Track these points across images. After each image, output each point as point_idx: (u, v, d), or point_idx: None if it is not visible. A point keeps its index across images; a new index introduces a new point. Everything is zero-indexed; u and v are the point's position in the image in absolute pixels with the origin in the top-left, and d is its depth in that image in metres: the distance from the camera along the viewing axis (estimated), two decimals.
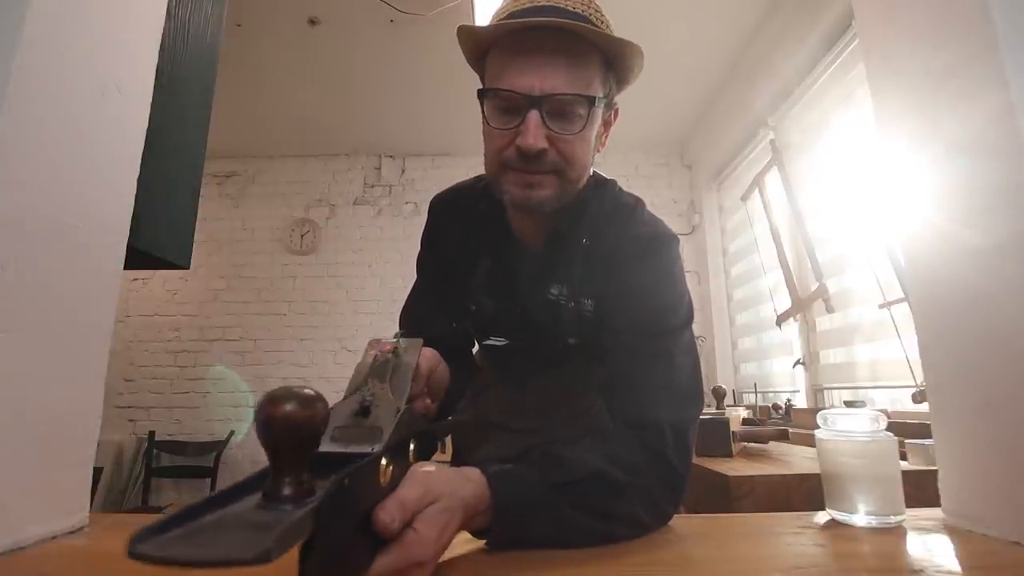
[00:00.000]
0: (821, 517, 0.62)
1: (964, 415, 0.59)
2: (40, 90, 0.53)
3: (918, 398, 1.43)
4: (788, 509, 0.75)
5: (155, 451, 3.13)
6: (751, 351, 2.96)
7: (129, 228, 0.66)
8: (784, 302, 2.33)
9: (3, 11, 0.50)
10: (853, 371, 2.04)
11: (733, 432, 1.49)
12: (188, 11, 0.88)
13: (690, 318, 0.66)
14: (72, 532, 0.56)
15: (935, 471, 0.63)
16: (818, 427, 0.64)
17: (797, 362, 2.31)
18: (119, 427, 3.26)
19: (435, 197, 0.82)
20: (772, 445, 1.59)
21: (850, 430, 0.61)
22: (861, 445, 0.59)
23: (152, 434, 3.19)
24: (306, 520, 0.27)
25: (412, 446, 0.44)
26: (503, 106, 0.61)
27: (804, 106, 2.28)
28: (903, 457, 1.25)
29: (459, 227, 0.77)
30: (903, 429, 1.32)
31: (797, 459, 1.40)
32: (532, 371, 0.82)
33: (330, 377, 3.31)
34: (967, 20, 0.57)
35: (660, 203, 3.42)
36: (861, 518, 0.58)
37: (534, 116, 0.58)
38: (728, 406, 2.38)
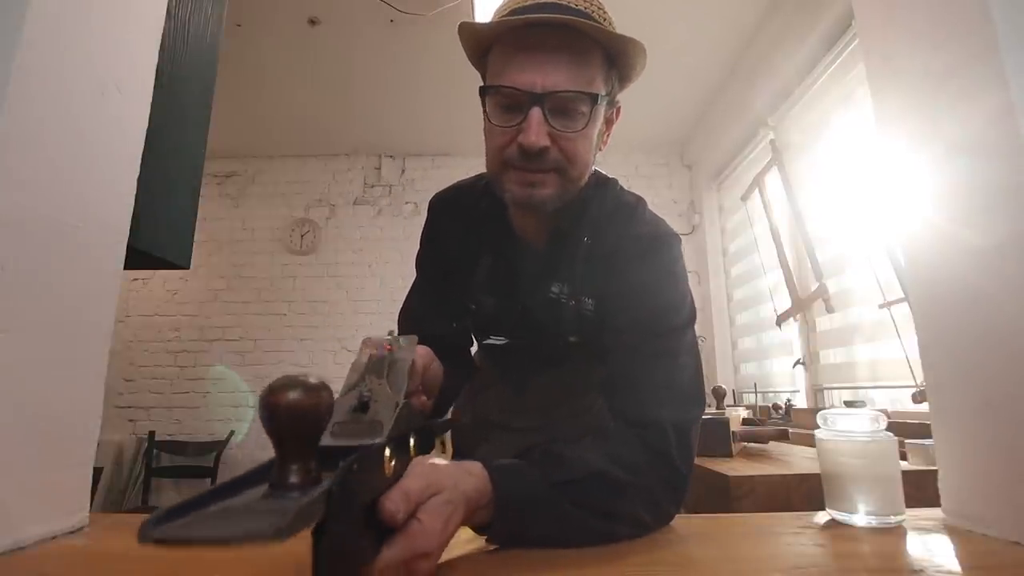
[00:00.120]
0: (821, 517, 0.62)
1: (964, 415, 0.59)
2: (40, 90, 0.53)
3: (918, 398, 1.43)
4: (788, 509, 0.75)
5: (155, 451, 3.13)
6: (751, 351, 2.96)
7: (129, 228, 0.66)
8: (784, 302, 2.33)
9: (3, 11, 0.50)
10: (853, 371, 2.04)
11: (733, 432, 1.49)
12: (188, 11, 0.88)
13: (692, 318, 0.66)
14: (72, 532, 0.56)
15: (935, 471, 0.63)
16: (818, 427, 0.64)
17: (797, 362, 2.31)
18: (119, 427, 3.26)
19: (435, 196, 0.82)
20: (772, 445, 1.59)
21: (850, 430, 0.61)
22: (861, 445, 0.59)
23: (152, 434, 3.19)
24: (318, 503, 0.27)
25: (412, 441, 0.45)
26: (505, 103, 0.60)
27: (804, 106, 2.28)
28: (903, 457, 1.25)
29: (460, 226, 0.77)
30: (903, 429, 1.32)
31: (797, 459, 1.39)
32: (532, 370, 0.82)
33: (330, 377, 3.28)
34: (967, 20, 0.57)
35: (660, 203, 3.42)
36: (861, 518, 0.58)
37: (536, 114, 0.58)
38: (728, 406, 2.38)
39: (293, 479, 0.28)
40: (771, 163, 2.40)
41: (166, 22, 0.75)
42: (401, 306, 0.83)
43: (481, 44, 0.64)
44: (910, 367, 1.53)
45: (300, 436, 0.29)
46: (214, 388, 3.33)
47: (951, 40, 0.59)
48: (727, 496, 1.16)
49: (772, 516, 0.65)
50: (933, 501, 0.63)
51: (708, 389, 2.43)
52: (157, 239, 0.81)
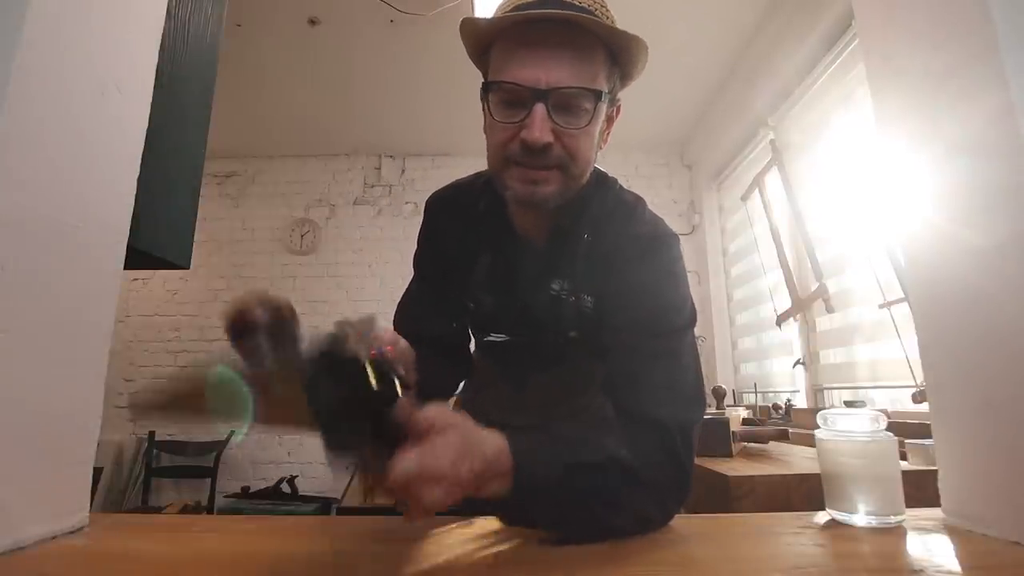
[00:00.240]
0: (821, 517, 0.62)
1: (964, 415, 0.59)
2: (40, 90, 0.53)
3: (918, 398, 1.44)
4: (788, 509, 0.75)
5: (155, 451, 3.13)
6: (751, 351, 2.96)
7: (129, 228, 0.66)
8: (784, 302, 2.33)
9: (3, 11, 0.50)
10: (853, 371, 2.04)
11: (733, 432, 1.49)
12: (188, 11, 0.88)
13: (693, 320, 0.66)
14: (72, 532, 0.56)
15: (935, 471, 0.63)
16: (818, 427, 0.64)
17: (797, 362, 2.31)
18: (119, 427, 3.25)
19: (432, 195, 0.82)
20: (772, 445, 1.59)
21: (850, 430, 0.61)
22: (861, 445, 0.59)
23: (152, 434, 3.19)
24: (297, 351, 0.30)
25: (398, 384, 0.44)
26: (507, 99, 0.60)
27: (804, 106, 2.28)
28: (903, 457, 1.25)
29: (458, 224, 0.77)
30: (903, 429, 1.32)
31: (797, 459, 1.40)
32: (532, 368, 0.82)
33: None
34: (967, 20, 0.57)
35: (660, 203, 3.42)
36: (861, 518, 0.58)
37: (540, 110, 0.57)
38: (728, 406, 2.38)
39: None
40: (771, 163, 2.40)
41: (166, 22, 0.74)
42: (397, 305, 0.83)
43: (483, 41, 0.64)
44: (910, 367, 1.53)
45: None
46: None
47: (951, 40, 0.59)
48: (727, 496, 1.16)
49: (772, 516, 0.65)
50: (933, 501, 0.63)
51: (708, 389, 2.43)
52: (157, 239, 0.81)
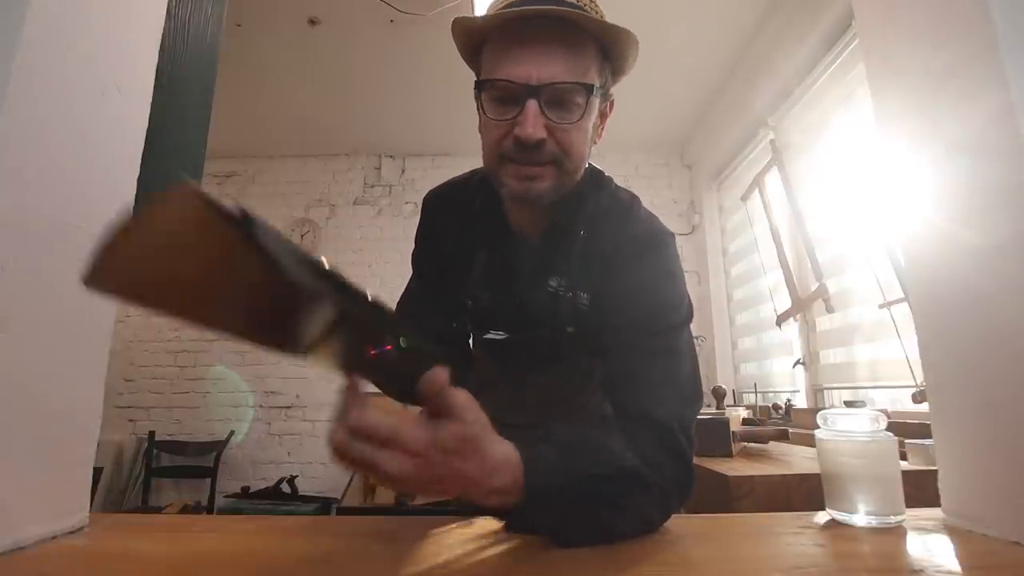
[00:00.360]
0: (821, 517, 0.62)
1: (964, 415, 0.59)
2: (40, 90, 0.53)
3: (918, 398, 1.44)
4: (788, 509, 0.75)
5: (155, 451, 3.13)
6: (751, 351, 2.96)
7: None
8: (784, 302, 2.33)
9: (3, 11, 0.50)
10: (853, 371, 2.04)
11: (733, 432, 1.49)
12: (188, 11, 0.88)
13: (690, 316, 0.66)
14: (72, 532, 0.56)
15: (935, 471, 0.63)
16: (818, 427, 0.64)
17: (797, 362, 2.31)
18: (119, 427, 3.25)
19: (429, 193, 0.82)
20: (772, 445, 1.59)
21: (850, 430, 0.61)
22: (861, 445, 0.59)
23: (152, 434, 3.19)
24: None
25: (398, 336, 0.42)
26: (501, 97, 0.60)
27: (804, 106, 2.28)
28: (903, 457, 1.25)
29: (455, 222, 0.77)
30: (903, 429, 1.32)
31: (797, 459, 1.40)
32: (531, 367, 0.82)
33: (331, 377, 3.30)
34: (967, 20, 0.57)
35: (660, 203, 3.42)
36: (861, 518, 0.58)
37: (532, 106, 0.58)
38: (728, 406, 2.38)
39: None
40: (771, 163, 2.40)
41: (166, 22, 0.74)
42: (396, 304, 0.83)
43: (475, 40, 0.64)
44: (910, 367, 1.53)
45: None
46: (214, 388, 3.33)
47: (951, 40, 0.59)
48: (727, 496, 1.16)
49: (772, 516, 0.65)
50: (933, 501, 0.63)
51: (708, 389, 2.44)
52: None
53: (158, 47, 0.72)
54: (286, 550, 0.53)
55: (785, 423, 2.01)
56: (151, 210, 0.24)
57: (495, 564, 0.48)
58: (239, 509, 2.81)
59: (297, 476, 3.08)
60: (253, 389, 3.32)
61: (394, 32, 2.44)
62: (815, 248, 2.09)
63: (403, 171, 3.69)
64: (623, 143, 3.43)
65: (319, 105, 3.10)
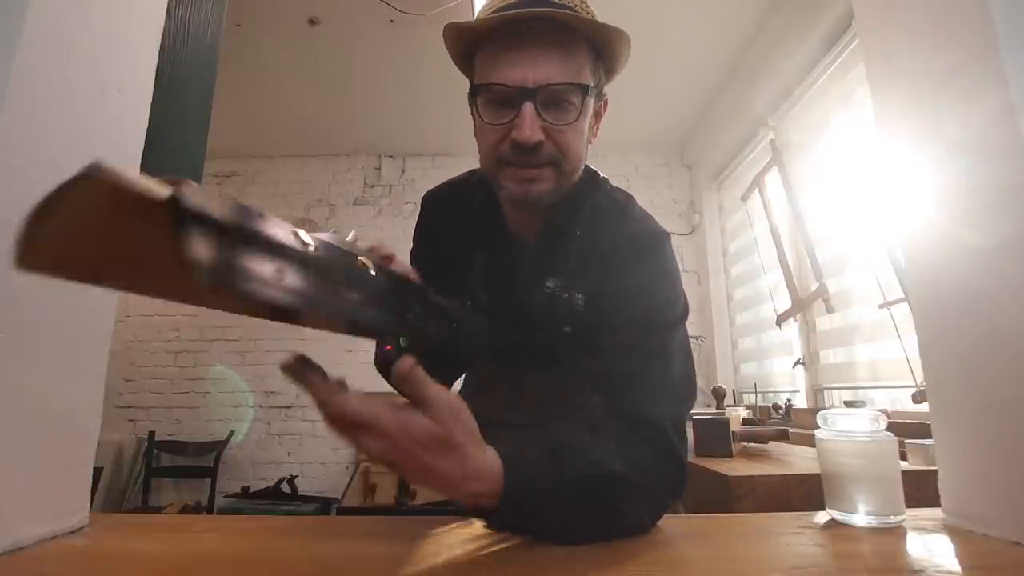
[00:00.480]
0: (821, 517, 0.62)
1: (964, 415, 0.59)
2: (40, 90, 0.53)
3: (918, 398, 1.44)
4: (788, 509, 0.75)
5: (155, 451, 3.13)
6: (751, 351, 2.96)
7: None
8: (784, 302, 2.33)
9: (3, 11, 0.50)
10: (853, 371, 2.04)
11: (733, 432, 1.49)
12: (188, 11, 0.88)
13: (685, 313, 0.67)
14: (72, 532, 0.56)
15: (935, 471, 0.63)
16: (818, 427, 0.64)
17: (797, 362, 2.31)
18: (119, 427, 3.25)
19: (428, 193, 0.83)
20: (772, 445, 1.59)
21: (850, 430, 0.61)
22: (861, 445, 0.59)
23: (152, 434, 3.19)
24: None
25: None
26: (496, 101, 0.61)
27: (804, 106, 2.28)
28: (903, 457, 1.25)
29: (454, 222, 0.77)
30: (903, 429, 1.32)
31: (797, 459, 1.40)
32: (530, 368, 0.82)
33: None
34: (967, 20, 0.57)
35: (660, 203, 3.42)
36: (861, 518, 0.58)
37: (528, 108, 0.58)
38: (728, 406, 2.38)
39: None
40: (771, 163, 2.40)
41: (166, 22, 0.74)
42: None
43: (467, 45, 0.64)
44: (910, 367, 1.53)
45: None
46: (214, 388, 3.33)
47: (951, 40, 0.59)
48: (727, 496, 1.16)
49: (772, 516, 0.65)
50: (933, 501, 0.63)
51: (708, 389, 2.44)
52: None
53: (158, 47, 0.72)
54: (286, 550, 0.53)
55: (785, 423, 2.01)
56: (60, 193, 0.23)
57: (495, 564, 0.48)
58: (239, 509, 2.81)
59: (297, 476, 3.08)
60: (253, 389, 3.32)
61: (394, 32, 2.44)
62: (815, 248, 2.09)
63: (403, 171, 3.69)
64: (623, 143, 3.43)
65: (319, 105, 3.10)
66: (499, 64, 0.59)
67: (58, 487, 0.55)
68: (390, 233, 3.53)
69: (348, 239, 0.41)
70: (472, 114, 0.65)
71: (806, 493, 1.15)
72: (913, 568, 0.46)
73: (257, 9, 2.33)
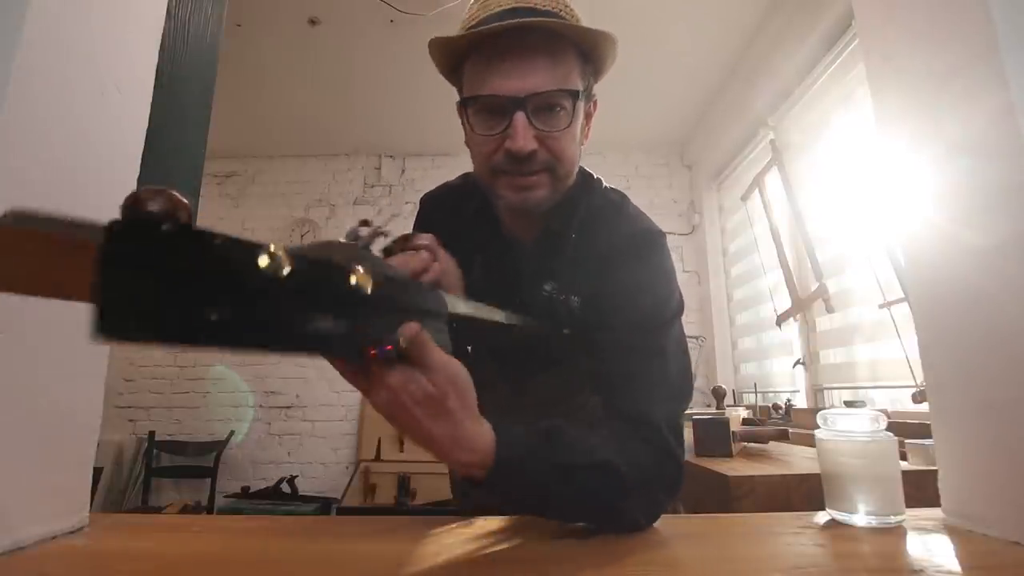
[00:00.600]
0: (821, 517, 0.62)
1: (964, 415, 0.59)
2: (40, 90, 0.53)
3: (918, 398, 1.44)
4: (788, 509, 0.75)
5: (155, 451, 3.13)
6: (751, 351, 2.96)
7: None
8: (784, 302, 2.33)
9: (3, 11, 0.50)
10: (853, 371, 2.04)
11: (733, 432, 1.49)
12: (188, 11, 0.88)
13: (680, 310, 0.67)
14: (72, 532, 0.56)
15: (935, 471, 0.63)
16: (818, 427, 0.64)
17: (797, 362, 2.31)
18: (119, 427, 3.25)
19: (425, 195, 0.83)
20: (772, 445, 1.59)
21: (850, 430, 0.61)
22: (861, 445, 0.59)
23: (152, 434, 3.19)
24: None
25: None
26: (487, 111, 0.61)
27: (804, 106, 2.28)
28: (903, 457, 1.25)
29: (451, 225, 0.78)
30: (903, 429, 1.32)
31: (797, 459, 1.40)
32: (530, 370, 0.82)
33: (331, 378, 3.31)
34: (967, 20, 0.57)
35: (660, 203, 3.42)
36: (861, 518, 0.58)
37: (520, 118, 0.58)
38: (728, 406, 2.38)
39: None
40: (771, 163, 2.40)
41: (166, 22, 0.74)
42: None
43: (454, 58, 0.64)
44: (910, 367, 1.53)
45: None
46: (214, 388, 3.33)
47: (951, 40, 0.59)
48: (727, 496, 1.16)
49: (772, 516, 0.65)
50: (933, 501, 0.63)
51: (708, 389, 2.44)
52: None
53: (158, 47, 0.72)
54: (286, 550, 0.53)
55: (785, 423, 2.01)
56: None
57: (495, 564, 0.48)
58: (239, 509, 2.81)
59: (297, 476, 3.08)
60: (253, 389, 3.31)
61: (394, 32, 2.44)
62: (815, 248, 2.09)
63: (403, 171, 3.69)
64: (623, 143, 3.42)
65: (319, 105, 3.10)
66: (488, 75, 0.59)
67: (58, 487, 0.55)
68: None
69: (366, 232, 0.42)
70: (463, 124, 0.65)
71: (806, 493, 1.14)
72: (913, 568, 0.46)
73: (257, 9, 2.33)
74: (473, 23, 0.61)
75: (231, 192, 3.64)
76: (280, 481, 3.01)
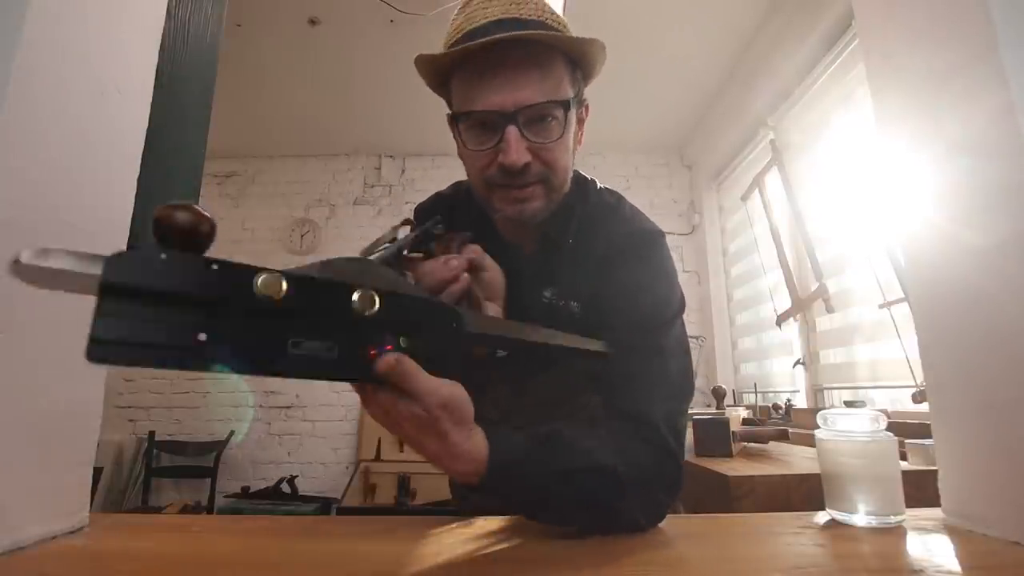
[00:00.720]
0: (821, 517, 0.62)
1: (964, 415, 0.59)
2: (40, 90, 0.53)
3: (918, 398, 1.44)
4: (788, 509, 0.75)
5: (155, 451, 3.13)
6: (751, 351, 2.96)
7: (129, 228, 0.66)
8: (784, 302, 2.33)
9: (3, 11, 0.50)
10: (853, 371, 2.04)
11: (733, 432, 1.49)
12: (188, 11, 0.88)
13: (681, 309, 0.67)
14: (72, 532, 0.56)
15: (935, 471, 0.63)
16: (818, 427, 0.64)
17: (797, 362, 2.31)
18: (119, 427, 3.25)
19: (418, 207, 0.83)
20: (772, 445, 1.59)
21: (850, 430, 0.61)
22: (861, 445, 0.59)
23: (152, 434, 3.19)
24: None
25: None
26: (479, 127, 0.60)
27: (804, 106, 2.28)
28: (903, 457, 1.25)
29: None
30: (903, 429, 1.32)
31: (797, 459, 1.40)
32: (530, 371, 0.82)
33: None
34: (967, 19, 0.57)
35: (660, 203, 3.42)
36: (861, 518, 0.58)
37: (513, 132, 0.57)
38: (728, 406, 2.38)
39: None
40: (771, 163, 2.41)
41: (166, 22, 0.74)
42: None
43: (441, 72, 0.64)
44: (910, 367, 1.53)
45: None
46: (214, 388, 3.33)
47: (951, 39, 0.59)
48: (727, 496, 1.16)
49: (772, 516, 0.65)
50: (933, 501, 0.63)
51: (708, 389, 2.44)
52: None
53: (158, 47, 0.72)
54: (286, 550, 0.53)
55: (785, 423, 2.01)
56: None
57: (495, 564, 0.48)
58: (239, 509, 2.81)
59: (297, 476, 3.08)
60: (253, 389, 3.31)
61: (394, 32, 2.44)
62: (815, 248, 2.09)
63: (403, 171, 3.69)
64: (623, 143, 3.42)
65: (319, 105, 3.10)
66: (478, 90, 0.59)
67: (58, 487, 0.55)
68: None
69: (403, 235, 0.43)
70: (454, 137, 0.64)
71: (806, 493, 1.15)
72: (913, 568, 0.46)
73: (257, 9, 2.33)
74: (458, 36, 0.60)
75: (231, 192, 3.65)
76: (280, 481, 3.01)
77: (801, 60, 2.16)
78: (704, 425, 1.50)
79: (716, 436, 1.47)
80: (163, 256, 0.26)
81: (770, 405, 2.28)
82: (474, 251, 0.58)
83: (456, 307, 0.42)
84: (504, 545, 0.52)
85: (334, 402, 3.36)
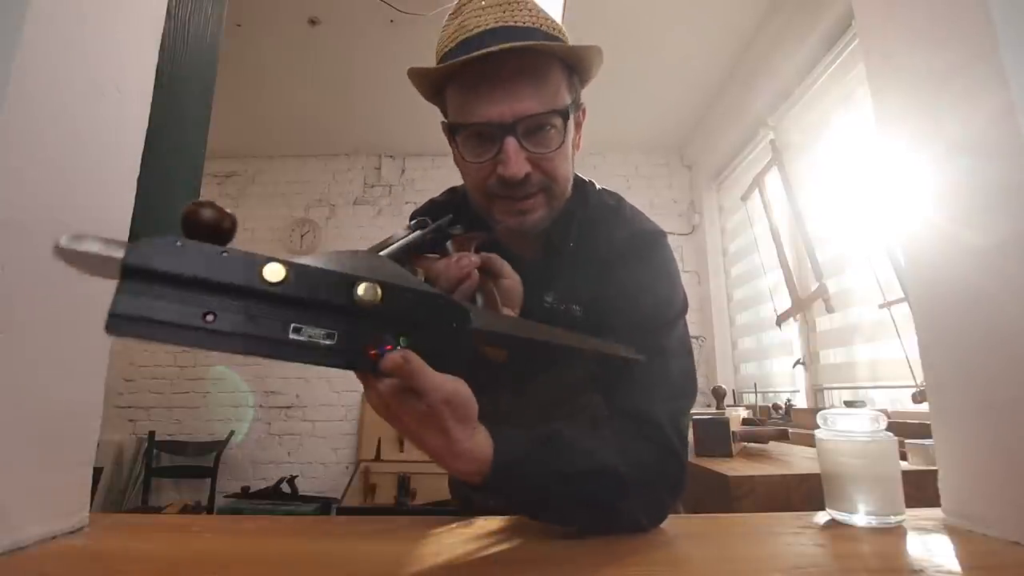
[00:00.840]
0: (821, 517, 0.62)
1: (964, 415, 0.59)
2: (40, 90, 0.53)
3: (918, 398, 1.44)
4: (788, 509, 0.75)
5: (155, 451, 3.13)
6: (751, 351, 2.96)
7: (129, 228, 0.66)
8: (784, 302, 2.33)
9: (3, 11, 0.50)
10: (853, 371, 2.04)
11: (733, 432, 1.49)
12: (188, 11, 0.88)
13: (684, 309, 0.67)
14: (72, 532, 0.56)
15: (935, 471, 0.63)
16: (818, 427, 0.64)
17: (797, 362, 2.31)
18: (119, 427, 3.25)
19: (414, 213, 0.82)
20: (772, 445, 1.59)
21: (850, 430, 0.61)
22: (861, 445, 0.59)
23: (152, 434, 3.19)
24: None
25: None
26: (476, 138, 0.59)
27: (804, 106, 2.28)
28: (903, 457, 1.25)
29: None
30: (903, 429, 1.32)
31: (797, 459, 1.40)
32: (530, 372, 0.82)
33: (330, 377, 3.31)
34: (967, 19, 0.57)
35: (660, 203, 3.42)
36: (861, 518, 0.58)
37: (511, 143, 0.57)
38: (728, 406, 2.39)
39: None
40: (771, 163, 2.41)
41: (166, 22, 0.74)
42: None
43: (435, 84, 0.63)
44: (910, 367, 1.53)
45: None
46: (214, 388, 3.33)
47: (951, 39, 0.59)
48: (727, 496, 1.16)
49: (772, 516, 0.65)
50: (933, 501, 0.63)
51: (708, 389, 2.44)
52: None
53: (158, 47, 0.72)
54: (286, 550, 0.53)
55: (785, 423, 2.01)
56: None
57: (495, 564, 0.48)
58: (239, 509, 2.81)
59: (297, 476, 3.08)
60: (253, 389, 3.32)
61: (394, 32, 2.44)
62: (815, 248, 2.09)
63: (403, 171, 3.69)
64: (623, 143, 3.42)
65: (319, 105, 3.10)
66: (474, 101, 0.58)
67: (58, 487, 0.55)
68: (390, 233, 3.53)
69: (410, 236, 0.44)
70: (451, 146, 0.64)
71: (806, 493, 1.15)
72: (913, 568, 0.46)
73: (257, 9, 2.33)
74: (452, 46, 0.59)
75: (231, 192, 3.64)
76: (280, 481, 3.01)
77: (801, 60, 2.16)
78: (704, 425, 1.50)
79: (716, 436, 1.47)
80: (178, 243, 0.30)
81: (770, 405, 2.28)
82: (492, 257, 0.57)
83: (464, 304, 0.42)
84: (504, 545, 0.52)
85: (334, 402, 3.36)
